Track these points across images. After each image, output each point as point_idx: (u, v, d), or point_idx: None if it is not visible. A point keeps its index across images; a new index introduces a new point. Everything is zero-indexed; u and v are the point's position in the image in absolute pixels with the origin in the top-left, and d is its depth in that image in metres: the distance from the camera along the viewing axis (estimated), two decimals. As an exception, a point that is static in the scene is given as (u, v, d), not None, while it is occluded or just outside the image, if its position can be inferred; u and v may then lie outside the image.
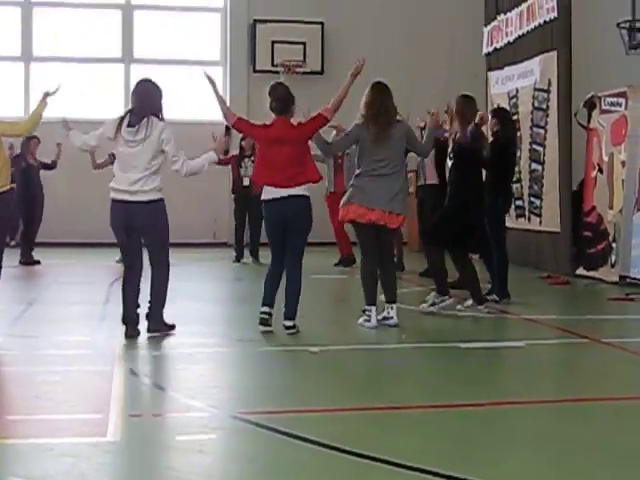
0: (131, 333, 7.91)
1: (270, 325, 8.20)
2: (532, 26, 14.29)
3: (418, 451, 4.71)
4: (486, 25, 16.37)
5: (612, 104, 12.63)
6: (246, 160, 14.70)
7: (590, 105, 13.14)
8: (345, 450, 4.65)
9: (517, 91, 15.05)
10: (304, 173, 8.15)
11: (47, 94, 8.48)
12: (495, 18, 15.87)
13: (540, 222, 14.23)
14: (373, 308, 8.61)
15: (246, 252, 15.14)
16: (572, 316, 9.84)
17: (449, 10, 19.37)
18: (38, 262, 14.68)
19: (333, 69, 18.95)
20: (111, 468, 4.51)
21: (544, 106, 14.03)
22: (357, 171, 8.67)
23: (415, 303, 10.03)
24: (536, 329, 8.93)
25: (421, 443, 4.92)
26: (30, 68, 19.34)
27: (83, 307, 10.05)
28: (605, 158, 12.71)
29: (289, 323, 8.20)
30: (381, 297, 8.87)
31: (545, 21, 13.82)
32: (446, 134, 10.01)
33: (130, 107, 8.00)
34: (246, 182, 14.60)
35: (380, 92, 8.64)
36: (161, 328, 8.01)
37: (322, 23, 19.26)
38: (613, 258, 12.30)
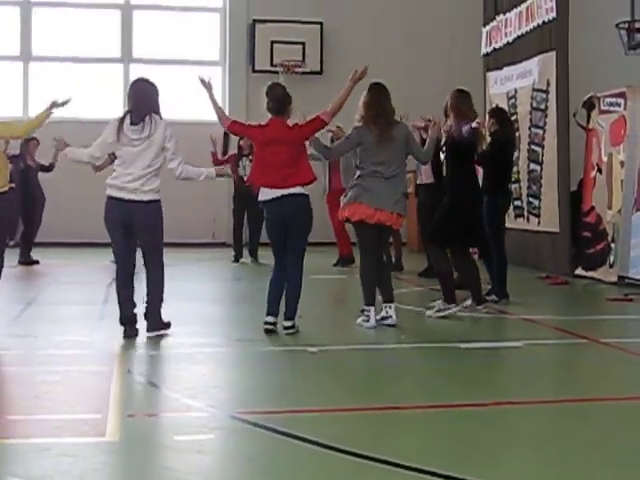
0: (129, 333, 7.91)
1: (276, 332, 8.19)
2: (531, 26, 14.29)
3: (417, 451, 4.71)
4: (485, 25, 16.37)
5: (611, 104, 12.63)
6: (244, 159, 14.70)
7: (589, 105, 13.15)
8: (344, 450, 4.65)
9: (516, 91, 15.06)
10: (297, 174, 8.13)
11: (55, 104, 8.40)
12: (494, 18, 15.88)
13: (539, 222, 14.24)
14: (372, 308, 8.60)
15: (245, 252, 15.15)
16: (571, 316, 9.84)
17: (448, 10, 19.37)
18: (37, 262, 14.68)
19: (332, 69, 18.95)
20: (110, 468, 4.51)
21: (543, 106, 14.03)
22: (359, 172, 8.63)
23: (414, 303, 10.05)
24: (535, 329, 8.93)
25: (420, 443, 4.92)
26: (29, 68, 19.34)
27: (82, 307, 10.05)
28: (604, 158, 12.71)
29: (288, 323, 8.20)
30: (379, 297, 8.87)
31: (544, 21, 13.82)
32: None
33: (128, 108, 7.97)
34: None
35: (378, 93, 8.64)
36: (159, 327, 7.99)
37: (321, 23, 19.26)
38: (612, 258, 12.31)
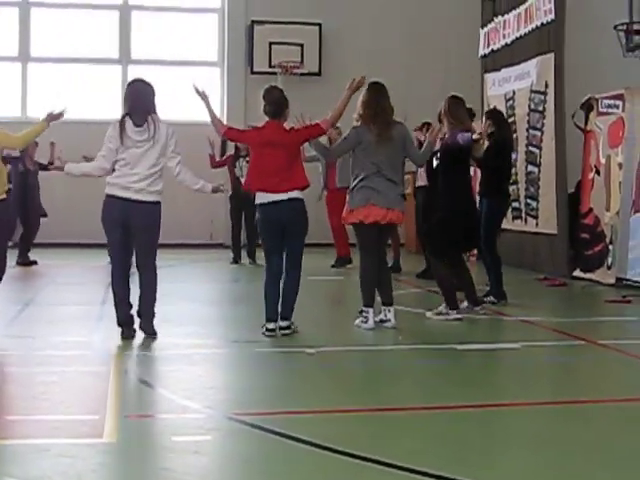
0: (127, 334, 7.90)
1: (275, 336, 8.18)
2: (530, 28, 14.30)
3: (414, 452, 4.71)
4: (483, 27, 16.38)
5: (609, 106, 12.64)
6: (241, 160, 14.72)
7: (587, 107, 13.16)
8: (340, 451, 4.66)
9: (514, 93, 15.06)
10: (292, 179, 8.11)
11: (51, 116, 8.36)
12: (492, 20, 15.89)
13: (536, 224, 14.24)
14: (370, 310, 8.60)
15: (243, 253, 15.15)
16: (569, 318, 9.84)
17: (446, 12, 19.38)
18: (35, 263, 14.67)
19: (330, 70, 18.97)
20: (107, 469, 4.51)
21: (540, 108, 14.04)
22: (362, 173, 8.55)
23: (412, 305, 10.05)
24: (532, 331, 8.93)
25: (417, 444, 4.92)
26: (27, 68, 19.33)
27: (80, 308, 10.05)
28: (602, 160, 12.72)
29: (284, 323, 8.19)
30: (377, 299, 8.87)
31: (543, 23, 13.84)
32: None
33: (126, 109, 7.93)
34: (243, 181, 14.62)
35: (377, 92, 8.64)
36: (151, 333, 7.94)
37: (320, 24, 19.26)
38: (610, 260, 12.31)
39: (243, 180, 14.53)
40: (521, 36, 14.69)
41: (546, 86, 13.84)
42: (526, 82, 14.52)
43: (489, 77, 16.18)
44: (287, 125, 8.32)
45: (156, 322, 7.99)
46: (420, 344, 8.16)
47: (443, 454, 4.76)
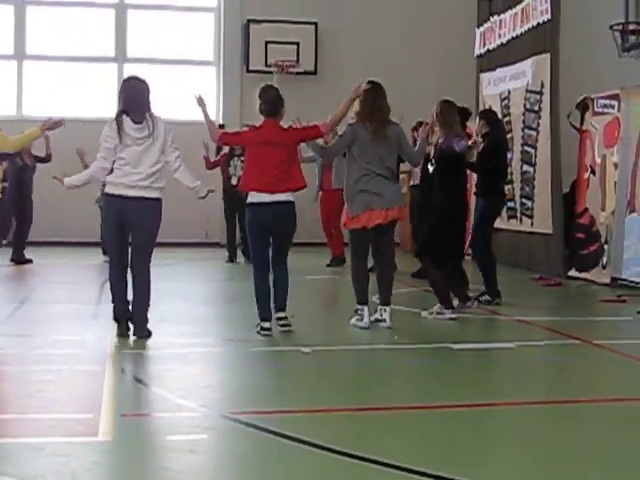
0: (122, 331, 7.88)
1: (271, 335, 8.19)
2: (526, 28, 14.31)
3: (408, 451, 4.72)
4: (479, 26, 16.39)
5: (605, 106, 12.65)
6: (235, 159, 14.73)
7: (583, 107, 13.17)
8: (335, 450, 4.66)
9: (509, 93, 15.07)
10: (290, 179, 8.12)
11: (48, 124, 8.29)
12: (488, 19, 15.90)
13: (532, 223, 14.26)
14: (365, 307, 8.61)
15: (238, 252, 15.14)
16: (563, 317, 9.85)
17: (443, 11, 19.37)
18: (30, 261, 14.65)
19: (326, 69, 18.98)
20: (102, 468, 4.51)
21: (536, 108, 14.05)
22: (357, 176, 8.54)
23: (407, 304, 10.05)
24: (527, 330, 8.94)
25: (410, 443, 4.93)
26: (23, 66, 19.29)
27: (75, 306, 10.04)
28: (598, 160, 12.74)
29: (282, 314, 8.21)
30: (373, 298, 8.88)
31: (539, 23, 13.85)
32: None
33: (121, 106, 7.88)
34: (234, 181, 14.65)
35: (373, 91, 8.63)
36: (144, 334, 7.90)
37: (316, 23, 19.23)
38: (605, 260, 12.33)
39: (233, 179, 14.66)
40: (517, 36, 14.70)
41: (542, 86, 13.85)
42: (522, 82, 14.54)
43: (484, 77, 16.19)
44: (283, 124, 8.32)
45: (151, 321, 7.96)
46: (415, 343, 8.17)
47: (435, 453, 4.77)
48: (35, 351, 7.42)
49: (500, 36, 15.38)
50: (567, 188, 13.92)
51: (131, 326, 7.94)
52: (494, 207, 10.57)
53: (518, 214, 14.63)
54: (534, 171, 14.11)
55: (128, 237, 7.93)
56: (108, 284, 8.18)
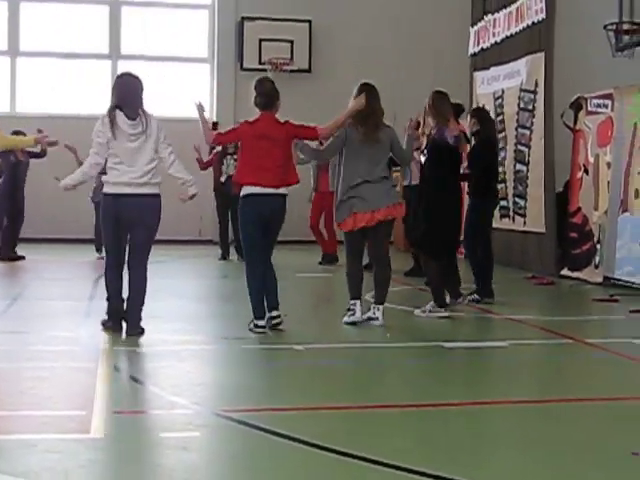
0: (115, 326, 7.88)
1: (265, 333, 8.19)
2: (520, 27, 14.33)
3: (400, 450, 4.72)
4: (473, 25, 16.40)
5: (598, 106, 12.67)
6: (228, 158, 14.72)
7: (576, 106, 13.18)
8: (327, 448, 4.66)
9: (503, 92, 15.08)
10: (285, 175, 8.13)
11: (43, 139, 8.24)
12: (482, 18, 15.91)
13: (524, 222, 14.27)
14: (357, 302, 8.63)
15: (231, 249, 15.13)
16: (556, 317, 9.87)
17: (437, 10, 19.39)
18: (23, 258, 14.62)
19: (320, 67, 18.98)
20: (95, 465, 4.50)
21: (530, 107, 14.06)
22: (346, 184, 8.56)
23: (400, 302, 10.06)
24: (520, 329, 8.96)
25: (403, 442, 4.93)
26: (17, 63, 19.26)
27: (68, 303, 10.03)
28: (591, 159, 12.75)
29: (276, 313, 8.20)
30: (367, 297, 8.88)
31: (534, 22, 13.87)
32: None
33: (114, 102, 7.85)
34: (222, 179, 14.67)
35: (368, 94, 8.63)
36: (137, 332, 7.89)
37: (310, 21, 19.24)
38: (597, 259, 12.35)
39: (223, 178, 14.67)
40: (511, 35, 14.71)
41: (536, 85, 13.86)
42: (515, 81, 14.55)
43: (478, 75, 16.20)
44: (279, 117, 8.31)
45: (144, 318, 7.96)
46: (408, 342, 8.17)
47: (427, 452, 4.78)
48: (28, 348, 7.41)
49: (494, 35, 15.39)
50: (560, 187, 13.94)
51: (124, 324, 7.94)
52: (487, 206, 10.58)
53: (511, 213, 14.65)
54: (527, 170, 14.12)
55: (126, 236, 7.92)
56: (103, 281, 8.17)
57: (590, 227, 12.63)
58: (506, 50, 14.98)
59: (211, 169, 15.13)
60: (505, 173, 14.48)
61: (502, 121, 14.86)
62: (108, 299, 8.01)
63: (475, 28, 16.28)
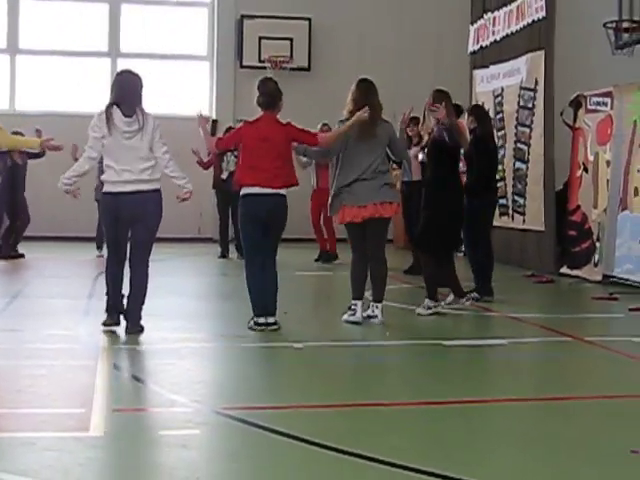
0: (112, 321, 7.86)
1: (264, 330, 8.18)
2: (521, 25, 14.33)
3: (399, 448, 4.72)
4: (472, 23, 16.40)
5: (598, 104, 12.67)
6: (228, 154, 14.70)
7: (576, 104, 13.19)
8: (326, 446, 4.67)
9: (502, 90, 15.08)
10: (284, 176, 8.13)
11: (49, 144, 8.23)
12: (482, 17, 15.91)
13: (524, 220, 14.28)
14: (359, 302, 8.63)
15: (231, 247, 15.13)
16: (555, 314, 9.87)
17: (437, 8, 19.39)
18: (22, 255, 14.62)
19: (320, 65, 18.98)
20: (94, 462, 4.50)
21: (530, 105, 14.06)
22: (339, 180, 8.59)
23: (400, 300, 10.06)
24: (519, 327, 8.96)
25: (402, 440, 4.93)
26: (16, 61, 19.26)
27: (67, 301, 10.03)
28: (590, 157, 12.76)
29: (271, 319, 8.19)
30: (366, 294, 8.88)
31: (534, 20, 13.87)
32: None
33: (113, 99, 7.84)
34: (224, 176, 14.65)
35: (366, 89, 8.64)
36: (137, 330, 7.89)
37: (309, 19, 19.24)
38: (597, 257, 12.35)
39: (224, 174, 14.65)
40: (511, 33, 14.71)
41: (536, 83, 13.86)
42: (515, 79, 14.55)
43: (478, 73, 16.20)
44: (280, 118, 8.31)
45: (144, 316, 7.96)
46: (407, 340, 8.16)
47: (427, 450, 4.78)
48: (27, 346, 7.42)
49: (494, 33, 15.39)
50: (560, 185, 13.94)
51: (123, 323, 7.93)
52: (487, 204, 10.57)
53: (510, 211, 14.65)
54: (527, 168, 14.12)
55: (127, 234, 7.91)
56: (103, 278, 8.17)
57: (589, 225, 12.63)
58: (506, 48, 14.98)
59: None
60: (504, 171, 14.49)
61: (502, 119, 14.87)
62: (107, 293, 8.00)
63: (475, 26, 16.28)
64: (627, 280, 11.66)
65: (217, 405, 5.61)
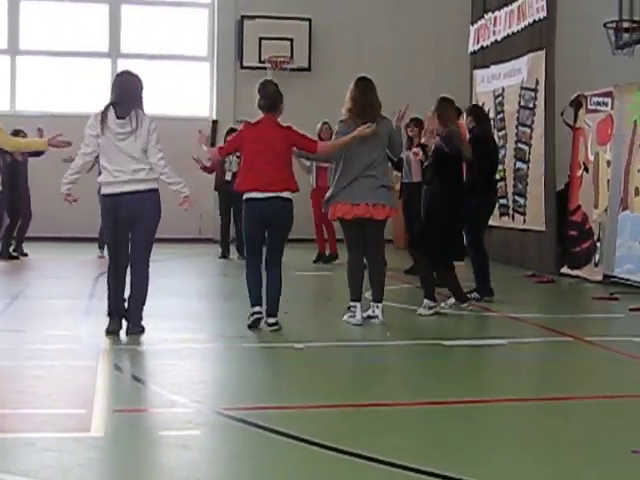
0: (114, 327, 7.84)
1: (260, 328, 8.18)
2: (522, 25, 14.33)
3: (399, 448, 4.72)
4: (473, 23, 16.40)
5: (598, 104, 12.67)
6: (231, 156, 14.68)
7: (576, 104, 13.19)
8: (327, 446, 4.67)
9: (503, 90, 15.08)
10: (285, 181, 8.14)
11: (55, 141, 8.23)
12: (482, 17, 15.91)
13: (524, 221, 14.27)
14: (358, 304, 8.63)
15: (232, 248, 15.13)
16: (556, 314, 9.87)
17: (437, 8, 19.39)
18: (17, 257, 14.56)
19: (320, 66, 18.97)
20: (95, 463, 4.51)
21: (531, 105, 14.06)
22: (340, 170, 8.63)
23: (400, 300, 10.07)
24: (520, 327, 8.96)
25: (403, 440, 4.94)
26: (16, 61, 19.25)
27: (68, 301, 10.03)
28: (591, 157, 12.76)
29: (272, 320, 8.19)
30: (366, 295, 8.89)
31: (535, 20, 13.88)
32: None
33: (112, 100, 7.84)
34: (228, 177, 14.63)
35: (365, 88, 8.65)
36: (138, 330, 7.89)
37: (310, 20, 19.23)
38: (597, 257, 12.35)
39: (228, 175, 14.64)
40: (512, 33, 14.71)
41: (537, 83, 13.86)
42: (516, 79, 14.55)
43: (478, 73, 16.20)
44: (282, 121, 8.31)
45: (145, 317, 7.96)
46: (407, 340, 8.17)
47: (427, 450, 4.79)
48: (27, 346, 7.42)
49: (495, 33, 15.39)
50: (561, 185, 13.94)
51: (124, 323, 7.92)
52: (487, 205, 10.58)
53: (510, 211, 14.65)
54: (527, 168, 14.12)
55: (127, 236, 7.89)
56: (103, 279, 8.16)
57: (590, 225, 12.63)
58: (507, 48, 14.98)
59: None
60: (505, 171, 14.49)
61: (502, 119, 14.87)
62: (109, 297, 8.00)
63: (475, 26, 16.27)
64: (627, 280, 11.66)
65: (218, 405, 5.61)
